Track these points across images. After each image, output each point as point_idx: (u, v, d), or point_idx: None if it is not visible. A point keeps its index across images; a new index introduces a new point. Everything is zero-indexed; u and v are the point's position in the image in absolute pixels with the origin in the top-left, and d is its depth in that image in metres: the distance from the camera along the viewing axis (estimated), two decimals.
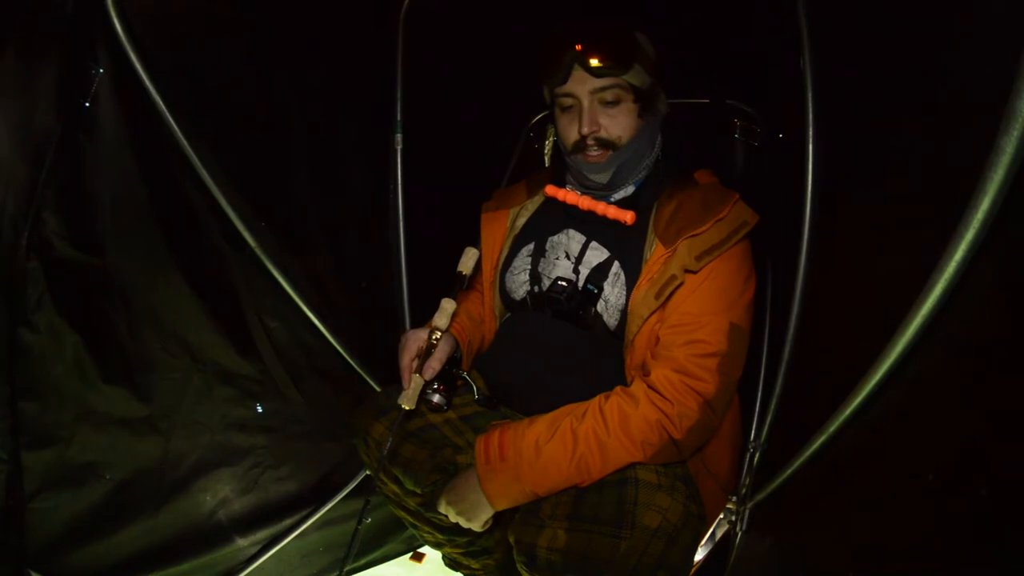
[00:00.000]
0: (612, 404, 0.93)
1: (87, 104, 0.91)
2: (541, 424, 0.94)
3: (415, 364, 1.02)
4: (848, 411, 0.73)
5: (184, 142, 0.99)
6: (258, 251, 1.14)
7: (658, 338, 0.97)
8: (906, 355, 0.62)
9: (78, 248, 0.94)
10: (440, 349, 1.02)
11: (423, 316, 1.46)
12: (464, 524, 0.97)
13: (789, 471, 0.90)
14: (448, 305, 1.02)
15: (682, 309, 0.96)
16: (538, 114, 1.74)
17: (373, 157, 1.43)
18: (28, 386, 0.92)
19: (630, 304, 1.00)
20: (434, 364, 1.01)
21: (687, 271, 0.95)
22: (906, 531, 0.59)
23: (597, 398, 0.95)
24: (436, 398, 1.05)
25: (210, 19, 1.03)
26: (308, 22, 1.17)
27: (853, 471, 0.77)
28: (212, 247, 1.10)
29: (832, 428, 0.77)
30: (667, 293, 0.95)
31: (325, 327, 1.30)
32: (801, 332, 1.01)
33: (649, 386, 0.93)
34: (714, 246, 0.96)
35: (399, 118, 1.42)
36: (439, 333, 1.02)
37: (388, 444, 1.00)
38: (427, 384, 1.03)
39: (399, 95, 1.41)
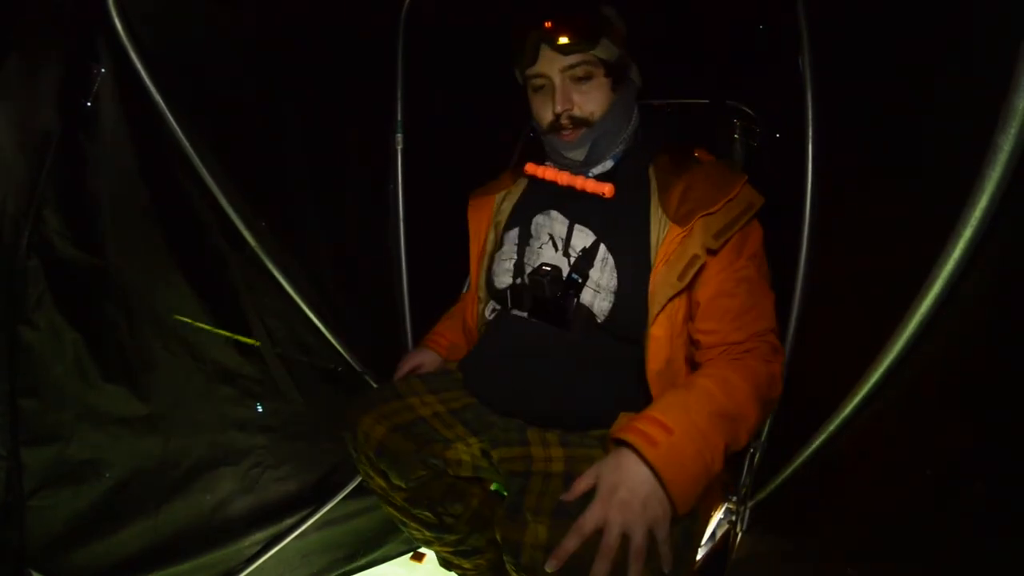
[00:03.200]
0: (733, 370, 0.88)
1: (88, 103, 0.91)
2: (682, 392, 0.86)
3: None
4: (847, 410, 0.73)
5: (185, 142, 0.99)
6: (258, 251, 1.14)
7: (714, 330, 0.92)
8: (905, 354, 0.62)
9: (79, 247, 0.94)
10: None
11: (423, 316, 1.47)
12: (652, 530, 0.75)
13: (789, 471, 0.90)
14: None
15: (724, 304, 0.93)
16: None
17: (373, 157, 1.43)
18: (28, 384, 0.92)
19: (650, 288, 0.96)
20: None
21: (709, 251, 0.93)
22: (905, 530, 0.59)
23: (716, 367, 0.90)
24: None
25: (211, 19, 1.03)
26: (308, 22, 1.17)
27: (853, 470, 0.77)
28: (212, 246, 1.10)
29: (832, 428, 0.77)
30: (691, 274, 0.93)
31: (325, 327, 1.30)
32: (801, 331, 1.02)
33: (759, 356, 0.91)
34: (727, 225, 0.94)
35: (399, 118, 1.42)
36: None
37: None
38: None
39: (399, 95, 1.41)
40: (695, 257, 0.92)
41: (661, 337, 0.95)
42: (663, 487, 0.74)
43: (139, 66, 0.92)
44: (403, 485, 1.03)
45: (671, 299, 0.93)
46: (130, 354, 1.03)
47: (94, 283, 0.98)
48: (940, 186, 0.63)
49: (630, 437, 0.78)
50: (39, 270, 0.90)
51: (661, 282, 0.94)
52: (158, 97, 0.95)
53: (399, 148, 1.43)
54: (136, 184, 0.99)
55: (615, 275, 1.00)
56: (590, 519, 0.74)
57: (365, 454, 1.05)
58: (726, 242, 0.93)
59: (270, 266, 1.17)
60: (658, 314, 0.94)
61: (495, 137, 1.73)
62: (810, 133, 0.99)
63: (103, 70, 0.91)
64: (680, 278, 0.93)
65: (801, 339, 1.02)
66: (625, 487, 0.75)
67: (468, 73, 1.51)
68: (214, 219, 1.08)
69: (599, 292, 1.00)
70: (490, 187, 1.25)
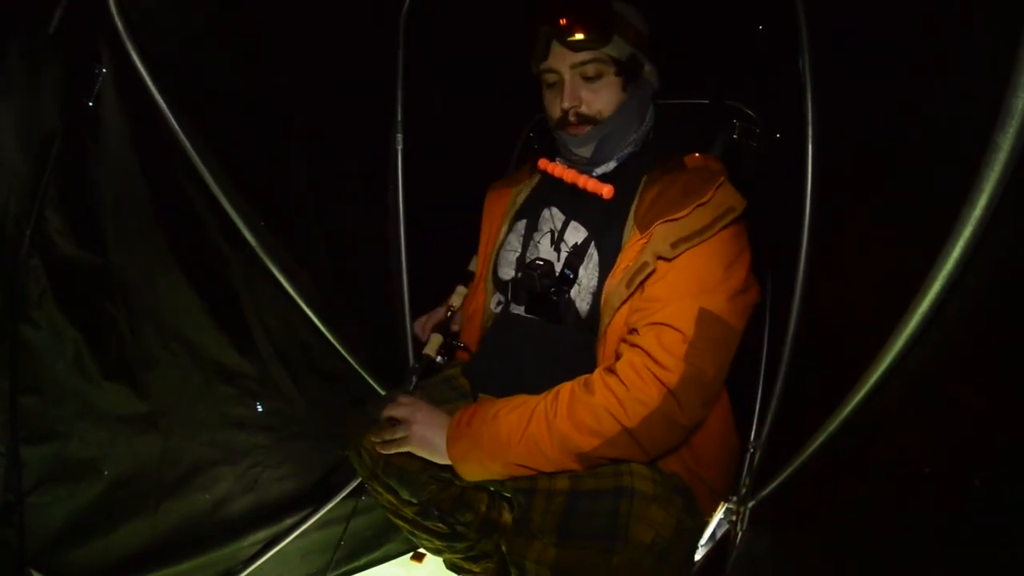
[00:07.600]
0: (567, 387, 0.91)
1: (90, 104, 0.91)
2: (510, 400, 0.95)
3: (433, 326, 1.24)
4: (847, 410, 0.73)
5: (185, 141, 0.99)
6: (258, 251, 1.14)
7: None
8: (904, 353, 0.62)
9: (80, 246, 0.94)
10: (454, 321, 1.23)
11: (423, 315, 1.46)
12: (415, 452, 0.98)
13: (789, 470, 0.90)
14: (462, 289, 1.28)
15: (648, 294, 0.92)
16: (538, 114, 1.74)
17: (373, 157, 1.43)
18: (29, 382, 0.92)
19: (604, 294, 0.96)
20: (453, 326, 1.24)
21: (660, 258, 0.91)
22: (905, 529, 0.59)
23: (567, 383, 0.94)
24: (439, 359, 1.25)
25: (211, 19, 1.03)
26: (308, 22, 1.17)
27: (852, 470, 0.77)
28: (212, 246, 1.11)
29: (831, 428, 0.77)
30: (638, 281, 0.92)
31: (325, 327, 1.30)
32: (801, 331, 1.01)
33: (608, 370, 0.89)
34: (694, 233, 0.91)
35: (399, 118, 1.42)
36: (453, 309, 1.25)
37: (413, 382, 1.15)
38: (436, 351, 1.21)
39: (399, 95, 1.41)
40: (644, 264, 0.92)
41: (610, 344, 0.96)
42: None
43: (140, 66, 0.92)
44: (414, 501, 1.03)
45: (618, 308, 0.94)
46: (130, 352, 1.04)
47: (95, 282, 0.98)
48: (940, 186, 0.63)
49: (458, 413, 0.97)
50: (40, 269, 0.90)
51: (614, 289, 0.94)
52: (159, 97, 0.95)
53: (399, 148, 1.43)
54: (137, 184, 0.99)
55: (596, 275, 1.00)
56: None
57: (372, 472, 1.06)
58: (689, 248, 0.91)
59: (270, 266, 1.17)
60: (609, 322, 0.95)
61: (495, 137, 1.73)
62: (810, 133, 0.99)
63: (104, 70, 0.91)
64: (628, 285, 0.93)
65: (800, 339, 1.02)
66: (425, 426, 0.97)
67: (468, 73, 1.51)
68: (214, 219, 1.09)
69: (580, 292, 1.02)
70: (510, 180, 1.28)
